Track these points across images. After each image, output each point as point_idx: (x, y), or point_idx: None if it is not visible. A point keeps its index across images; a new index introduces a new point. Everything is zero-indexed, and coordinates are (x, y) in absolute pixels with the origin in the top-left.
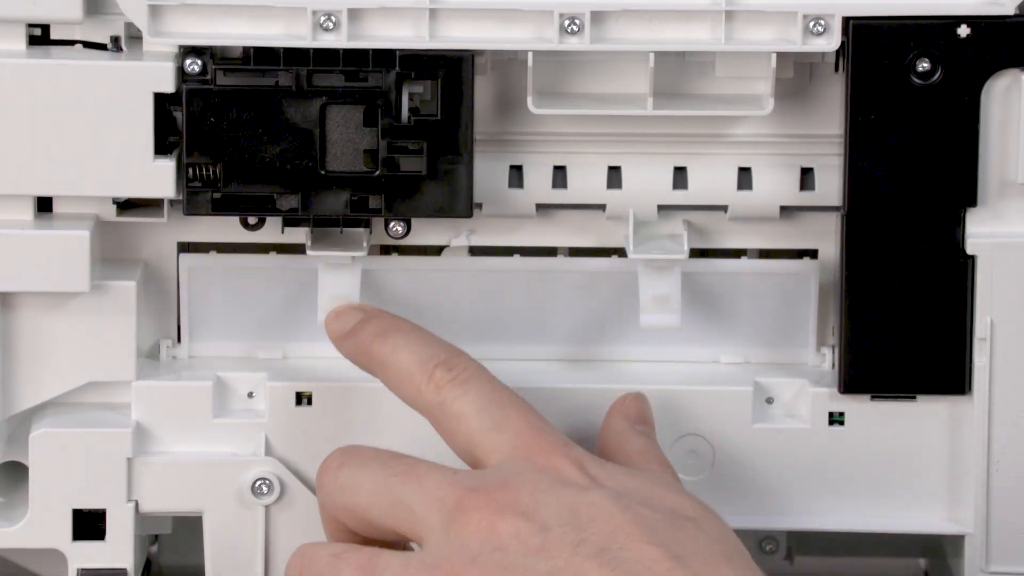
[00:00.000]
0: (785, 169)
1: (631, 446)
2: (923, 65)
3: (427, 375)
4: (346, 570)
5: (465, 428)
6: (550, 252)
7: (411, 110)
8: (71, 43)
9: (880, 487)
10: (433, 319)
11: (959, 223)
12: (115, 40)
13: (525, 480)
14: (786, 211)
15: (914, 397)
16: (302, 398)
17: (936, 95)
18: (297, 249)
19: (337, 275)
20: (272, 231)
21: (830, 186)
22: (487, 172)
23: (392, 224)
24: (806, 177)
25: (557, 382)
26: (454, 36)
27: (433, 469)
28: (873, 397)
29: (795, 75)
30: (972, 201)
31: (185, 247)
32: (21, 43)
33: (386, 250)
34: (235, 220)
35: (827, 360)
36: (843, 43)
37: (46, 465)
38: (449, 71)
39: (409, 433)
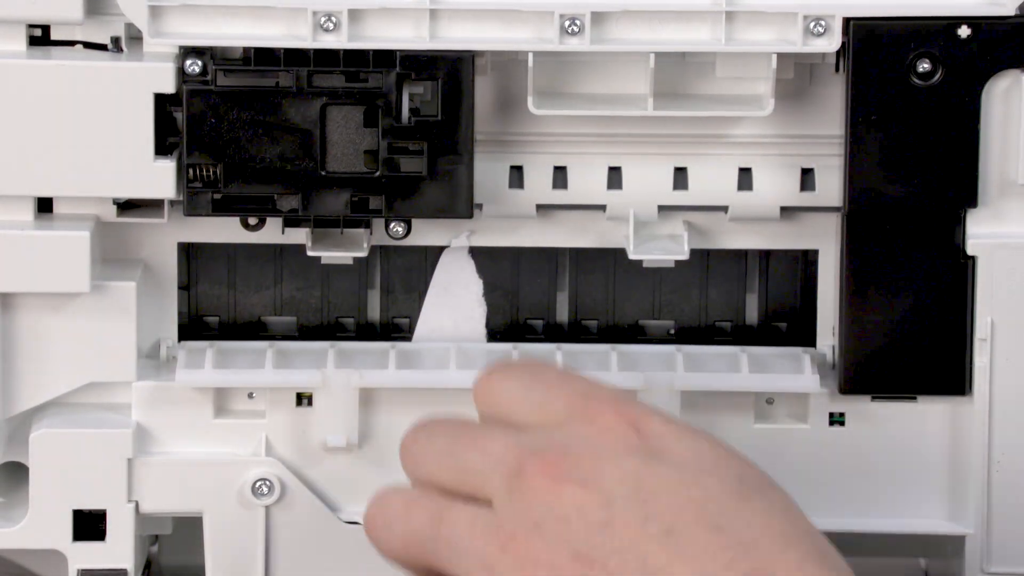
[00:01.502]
0: (785, 170)
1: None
2: (923, 66)
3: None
4: (417, 518)
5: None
6: (551, 252)
7: (411, 111)
8: (71, 44)
9: (880, 487)
10: None
11: (959, 224)
12: (115, 41)
13: (586, 445)
14: (786, 211)
15: (914, 397)
16: (302, 398)
17: (936, 96)
18: (298, 249)
19: None
20: (272, 231)
21: (830, 186)
22: (487, 172)
23: (392, 224)
24: (806, 177)
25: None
26: (454, 37)
27: (497, 431)
28: (873, 397)
29: (795, 76)
30: (973, 202)
31: (185, 247)
32: (21, 43)
33: (386, 251)
34: (235, 220)
35: (827, 360)
36: (843, 44)
37: (46, 465)
38: (449, 72)
39: None
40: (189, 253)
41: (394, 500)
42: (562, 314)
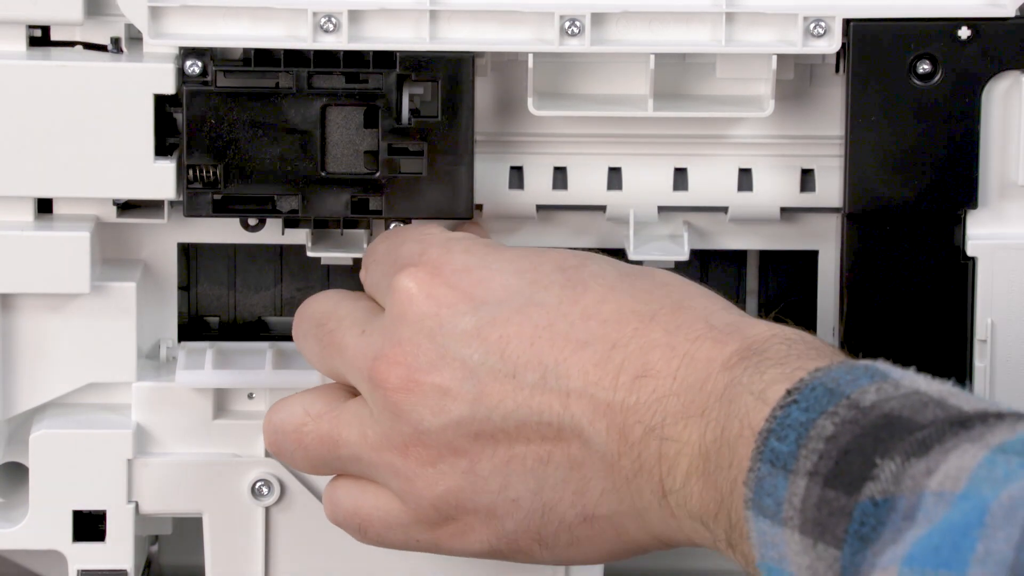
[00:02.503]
0: (785, 170)
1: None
2: (924, 67)
3: None
4: (312, 445)
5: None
6: None
7: (411, 111)
8: (71, 44)
9: None
10: None
11: (959, 225)
12: (115, 41)
13: (417, 331)
14: (786, 212)
15: None
16: None
17: (936, 97)
18: (298, 250)
19: None
20: (272, 232)
21: (830, 187)
22: (487, 173)
23: (392, 225)
24: (806, 178)
25: None
26: (454, 38)
27: (348, 335)
28: None
29: (795, 77)
30: (972, 203)
31: (185, 248)
32: (21, 44)
33: None
34: (235, 221)
35: None
36: (843, 45)
37: (46, 466)
38: (449, 72)
39: None
40: (189, 253)
41: (287, 425)
42: None
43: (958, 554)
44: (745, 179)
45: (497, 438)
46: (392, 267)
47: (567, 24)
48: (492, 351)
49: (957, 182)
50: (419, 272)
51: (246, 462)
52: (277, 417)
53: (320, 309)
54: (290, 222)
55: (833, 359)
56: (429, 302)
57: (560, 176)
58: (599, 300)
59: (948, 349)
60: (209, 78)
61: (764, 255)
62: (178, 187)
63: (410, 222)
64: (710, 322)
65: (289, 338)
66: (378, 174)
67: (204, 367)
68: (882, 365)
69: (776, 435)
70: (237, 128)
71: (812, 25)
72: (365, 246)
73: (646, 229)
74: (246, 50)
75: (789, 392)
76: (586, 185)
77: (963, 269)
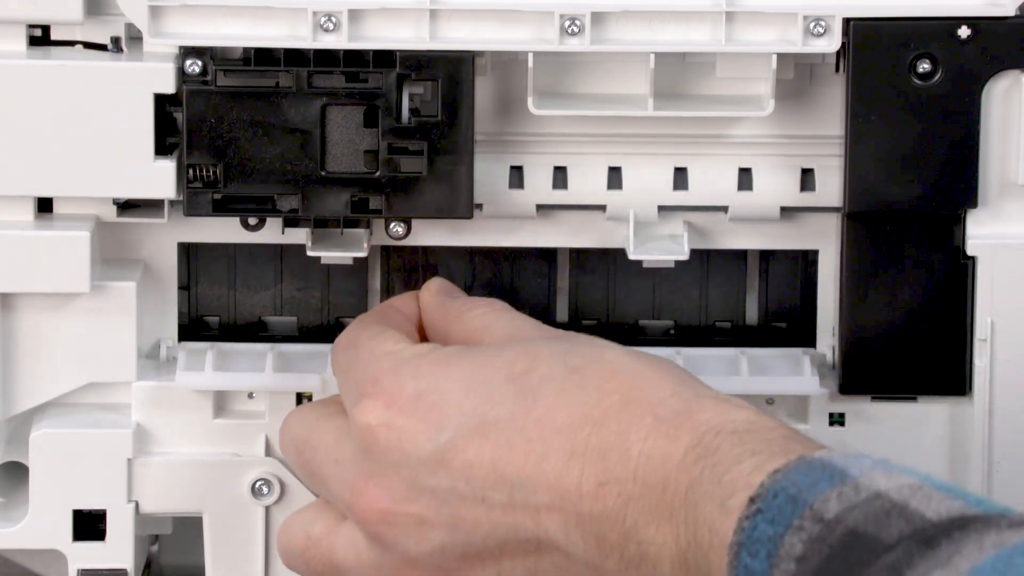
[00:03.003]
0: (785, 170)
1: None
2: (924, 66)
3: None
4: (317, 568)
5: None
6: (550, 253)
7: (411, 111)
8: (71, 44)
9: None
10: None
11: (959, 224)
12: (115, 41)
13: (385, 465)
14: (786, 212)
15: (914, 398)
16: (302, 398)
17: (936, 96)
18: (298, 250)
19: None
20: (272, 231)
21: (830, 187)
22: (487, 173)
23: (392, 225)
24: (806, 178)
25: None
26: (454, 37)
27: (324, 466)
28: (873, 398)
29: (795, 76)
30: (972, 202)
31: (185, 247)
32: (21, 44)
33: (386, 251)
34: (235, 220)
35: (827, 360)
36: (843, 44)
37: (46, 465)
38: (449, 72)
39: None
40: (189, 253)
41: (295, 546)
42: (562, 314)
43: None
44: (745, 178)
45: (483, 556)
46: (352, 389)
47: (567, 23)
48: (458, 477)
49: (957, 181)
50: (376, 406)
51: (246, 462)
52: (284, 539)
53: (297, 435)
54: (290, 221)
55: (788, 454)
56: (390, 435)
57: (560, 176)
58: (551, 407)
59: (948, 349)
60: (209, 77)
61: (764, 255)
62: (178, 186)
63: (410, 223)
64: (658, 414)
65: (289, 338)
66: (378, 173)
67: (204, 368)
68: (839, 459)
69: (747, 550)
70: (237, 127)
71: (812, 24)
72: (365, 245)
73: (646, 229)
74: (246, 49)
75: (752, 500)
76: (586, 185)
77: (963, 268)
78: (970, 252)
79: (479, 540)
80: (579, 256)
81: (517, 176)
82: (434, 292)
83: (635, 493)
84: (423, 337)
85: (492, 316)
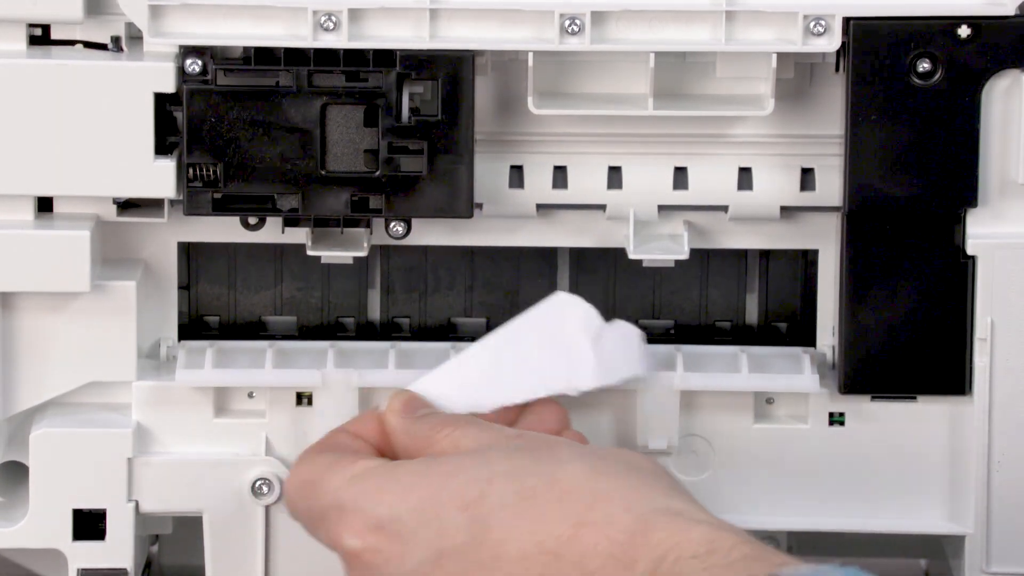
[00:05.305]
0: (785, 169)
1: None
2: (923, 65)
3: None
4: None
5: None
6: (550, 252)
7: (411, 110)
8: (72, 43)
9: (880, 487)
10: None
11: (959, 223)
12: (116, 40)
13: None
14: (786, 211)
15: (914, 397)
16: (302, 398)
17: (936, 95)
18: (298, 249)
19: None
20: (272, 231)
21: (830, 186)
22: (487, 172)
23: (392, 224)
24: (806, 177)
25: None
26: (454, 36)
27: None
28: (873, 397)
29: (795, 75)
30: (972, 201)
31: (185, 247)
32: (21, 43)
33: (386, 250)
34: (235, 220)
35: (827, 360)
36: (843, 43)
37: (46, 465)
38: (449, 71)
39: None
40: (189, 253)
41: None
42: None
43: None
44: (745, 178)
45: None
46: (322, 522)
47: (567, 23)
48: None
49: (957, 181)
50: (353, 533)
51: (246, 461)
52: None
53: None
54: (290, 221)
55: None
56: (375, 558)
57: (560, 175)
58: (504, 538)
59: (948, 348)
60: (209, 77)
61: (764, 254)
62: (178, 186)
63: (410, 222)
64: (611, 536)
65: (289, 337)
66: (378, 173)
67: (204, 367)
68: (806, 573)
69: None
70: (237, 127)
71: (812, 24)
72: (365, 245)
73: (646, 228)
74: (246, 49)
75: None
76: (586, 184)
77: (963, 268)
78: (970, 251)
79: None
80: (579, 256)
81: (517, 176)
82: (398, 413)
83: None
84: (383, 454)
85: (459, 433)
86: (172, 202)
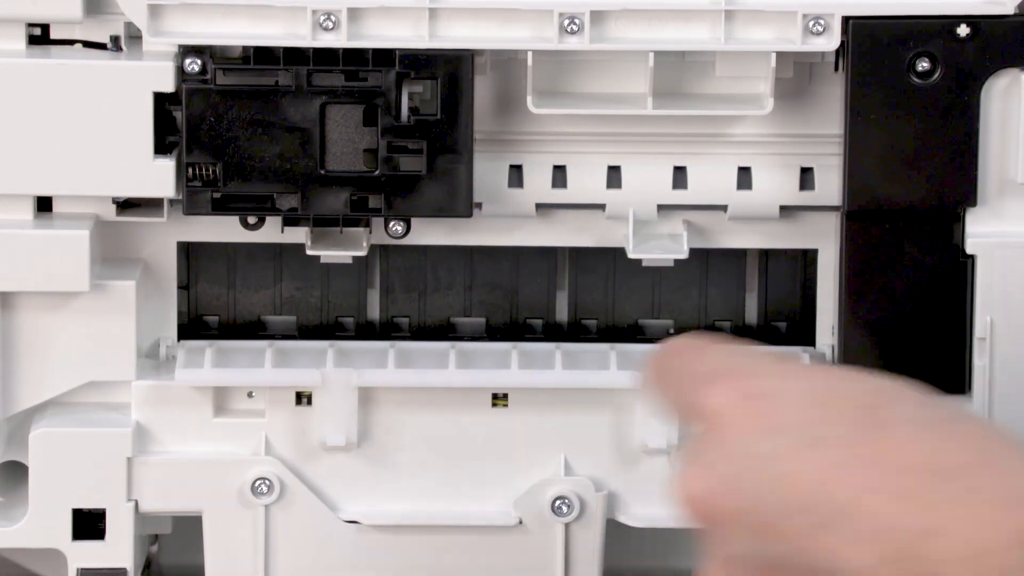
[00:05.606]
0: (785, 169)
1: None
2: (923, 65)
3: None
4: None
5: None
6: (550, 252)
7: (411, 109)
8: (71, 43)
9: None
10: None
11: (959, 223)
12: (115, 40)
13: (712, 439)
14: (786, 211)
15: None
16: (301, 397)
17: (936, 95)
18: (297, 249)
19: None
20: (272, 231)
21: (830, 186)
22: (487, 172)
23: (392, 224)
24: (806, 177)
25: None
26: (454, 36)
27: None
28: None
29: (795, 75)
30: (972, 201)
31: (185, 247)
32: (21, 43)
33: (386, 250)
34: (235, 220)
35: (827, 359)
36: (843, 43)
37: (46, 465)
38: (449, 71)
39: (410, 432)
40: (189, 252)
41: None
42: (561, 314)
43: None
44: (744, 177)
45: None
46: (693, 381)
47: (566, 22)
48: (779, 486)
49: (956, 180)
50: (730, 390)
51: (246, 460)
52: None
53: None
54: (289, 220)
55: None
56: (740, 421)
57: (559, 174)
58: (895, 446)
59: (948, 347)
60: (208, 76)
61: (763, 254)
62: (178, 185)
63: (410, 221)
64: (1007, 483)
65: (289, 337)
66: (377, 172)
67: (203, 366)
68: None
69: None
70: (236, 126)
71: (811, 23)
72: (364, 244)
73: (645, 227)
74: (245, 48)
75: None
76: (585, 183)
77: (962, 267)
78: (969, 251)
79: (775, 556)
80: (579, 255)
81: (516, 175)
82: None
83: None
84: None
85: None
86: (171, 202)
